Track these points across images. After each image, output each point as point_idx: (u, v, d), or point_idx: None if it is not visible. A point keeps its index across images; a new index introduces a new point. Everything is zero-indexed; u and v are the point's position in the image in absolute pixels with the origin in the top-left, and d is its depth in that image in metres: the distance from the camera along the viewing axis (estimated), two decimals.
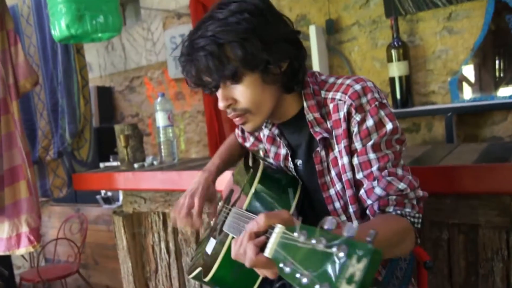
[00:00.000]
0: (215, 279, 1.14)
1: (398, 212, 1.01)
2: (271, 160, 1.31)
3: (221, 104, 1.08)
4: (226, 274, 1.13)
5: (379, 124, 1.03)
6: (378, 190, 1.02)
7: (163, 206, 2.22)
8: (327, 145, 1.12)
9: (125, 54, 4.08)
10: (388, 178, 1.02)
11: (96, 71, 4.29)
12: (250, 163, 1.36)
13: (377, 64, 2.84)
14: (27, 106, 3.20)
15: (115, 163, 3.31)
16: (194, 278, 1.28)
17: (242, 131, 1.48)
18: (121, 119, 4.24)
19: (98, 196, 3.57)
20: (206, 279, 1.15)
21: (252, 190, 1.14)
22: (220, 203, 1.40)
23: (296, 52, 1.07)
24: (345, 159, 1.08)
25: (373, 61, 2.86)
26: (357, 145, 1.05)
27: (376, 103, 1.03)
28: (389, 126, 1.03)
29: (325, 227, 0.66)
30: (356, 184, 1.08)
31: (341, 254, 0.59)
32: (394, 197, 1.01)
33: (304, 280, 0.62)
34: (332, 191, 1.14)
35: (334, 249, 0.60)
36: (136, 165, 2.38)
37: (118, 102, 4.24)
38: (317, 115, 1.10)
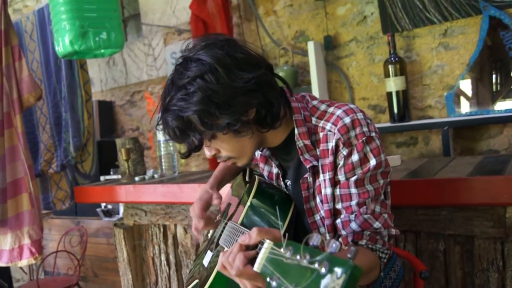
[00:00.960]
0: None
1: (370, 246, 1.05)
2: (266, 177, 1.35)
3: (207, 154, 1.15)
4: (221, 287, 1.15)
5: (364, 160, 1.06)
6: (354, 226, 1.06)
7: (164, 219, 2.25)
8: (315, 172, 1.14)
9: (126, 69, 4.13)
10: (365, 216, 1.06)
11: (98, 86, 4.34)
12: (247, 178, 1.39)
13: (374, 79, 2.89)
14: (30, 120, 3.24)
15: (115, 176, 3.34)
16: None
17: None
18: (121, 133, 4.27)
19: (98, 209, 3.58)
20: None
21: (247, 205, 1.16)
22: (218, 216, 1.43)
23: (261, 96, 1.05)
24: (328, 191, 1.11)
25: (370, 76, 2.91)
26: (341, 177, 1.09)
27: (364, 138, 1.06)
28: (372, 162, 1.07)
29: (311, 243, 0.69)
30: (334, 213, 1.12)
31: (323, 270, 0.61)
32: (368, 232, 1.06)
33: None
34: (317, 217, 1.17)
35: (316, 265, 0.63)
36: (137, 178, 2.41)
37: (119, 116, 4.29)
38: (307, 142, 1.12)
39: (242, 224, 1.13)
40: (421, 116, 2.75)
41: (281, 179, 1.27)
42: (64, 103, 2.92)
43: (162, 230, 2.29)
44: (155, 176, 2.47)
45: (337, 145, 1.07)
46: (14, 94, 2.51)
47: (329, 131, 1.09)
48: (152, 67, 3.94)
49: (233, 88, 1.02)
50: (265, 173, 1.32)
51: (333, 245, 0.64)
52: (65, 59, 2.82)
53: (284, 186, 1.26)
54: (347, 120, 1.07)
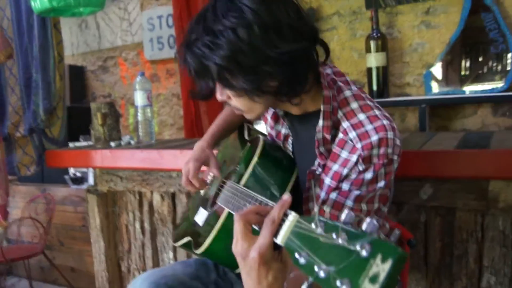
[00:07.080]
0: (208, 252, 1.13)
1: None
2: (268, 131, 1.30)
3: (218, 98, 1.08)
4: (220, 248, 1.11)
5: (373, 180, 1.03)
6: None
7: (140, 185, 2.20)
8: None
9: (99, 33, 3.98)
10: None
11: (68, 50, 4.16)
12: (246, 136, 1.34)
13: (355, 54, 2.89)
14: None
15: (85, 143, 3.24)
16: (182, 246, 1.27)
17: None
18: (92, 99, 4.13)
19: (66, 176, 3.47)
20: (198, 252, 1.14)
21: (251, 166, 1.12)
22: (210, 176, 1.39)
23: (290, 71, 0.97)
24: (327, 181, 1.07)
25: (351, 51, 2.90)
26: (345, 186, 1.04)
27: (385, 160, 1.01)
28: (380, 184, 1.03)
29: (343, 219, 0.64)
30: (320, 213, 1.07)
31: (364, 253, 0.57)
32: None
33: (322, 274, 0.60)
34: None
35: (357, 246, 0.58)
36: (112, 144, 2.34)
37: (90, 82, 4.14)
38: (327, 136, 1.08)
39: (246, 186, 1.08)
40: (399, 93, 2.78)
41: (289, 140, 1.22)
42: (35, 63, 2.79)
43: (137, 197, 2.24)
44: (132, 142, 2.40)
45: (356, 161, 1.02)
46: None
47: (351, 140, 1.04)
48: (127, 32, 3.81)
49: (263, 54, 0.94)
50: (273, 132, 1.27)
51: (370, 224, 0.60)
52: (38, 18, 2.69)
53: (291, 150, 1.22)
54: (375, 138, 1.00)
